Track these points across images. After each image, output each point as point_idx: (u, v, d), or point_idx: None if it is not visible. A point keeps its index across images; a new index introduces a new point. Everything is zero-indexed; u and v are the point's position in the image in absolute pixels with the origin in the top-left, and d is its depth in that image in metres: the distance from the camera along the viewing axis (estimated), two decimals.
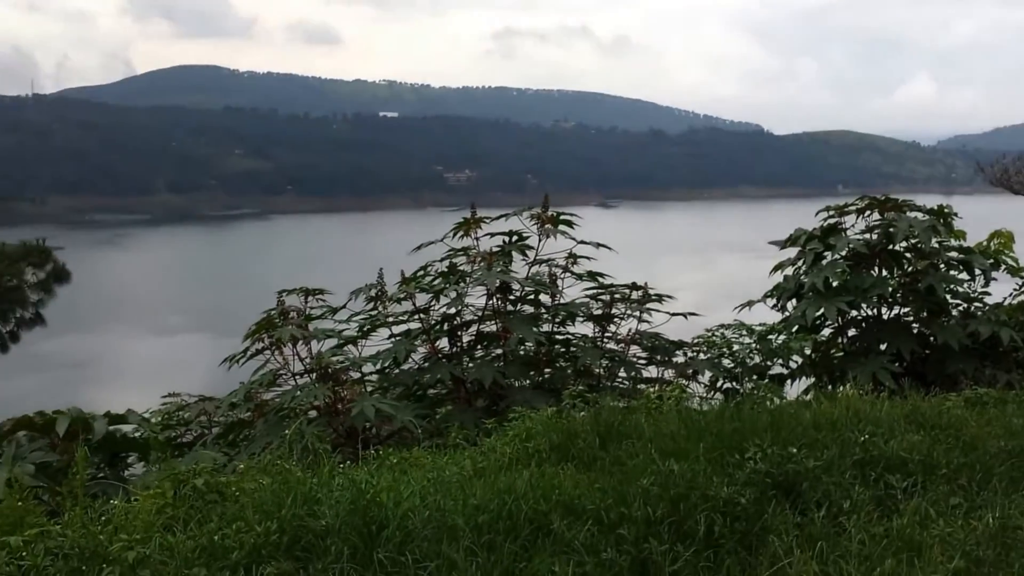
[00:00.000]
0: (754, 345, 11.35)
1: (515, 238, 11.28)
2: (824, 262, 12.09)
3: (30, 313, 23.10)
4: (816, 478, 6.17)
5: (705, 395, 10.87)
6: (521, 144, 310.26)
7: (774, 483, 6.08)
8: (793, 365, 11.86)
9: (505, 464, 6.78)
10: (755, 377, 11.08)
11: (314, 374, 9.90)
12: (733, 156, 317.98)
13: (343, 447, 8.74)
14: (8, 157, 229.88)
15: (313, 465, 6.68)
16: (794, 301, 12.26)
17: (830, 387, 11.25)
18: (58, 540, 5.18)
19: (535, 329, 10.78)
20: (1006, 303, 12.20)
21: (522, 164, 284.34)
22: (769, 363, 11.48)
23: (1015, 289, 12.36)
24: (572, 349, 11.20)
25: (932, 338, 11.87)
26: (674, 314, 11.40)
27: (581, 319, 11.36)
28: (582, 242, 11.28)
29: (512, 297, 11.12)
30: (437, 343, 10.92)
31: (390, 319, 10.87)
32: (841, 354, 12.23)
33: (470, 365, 10.77)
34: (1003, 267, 12.34)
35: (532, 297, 11.29)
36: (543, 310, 11.30)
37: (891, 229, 11.93)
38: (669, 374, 11.08)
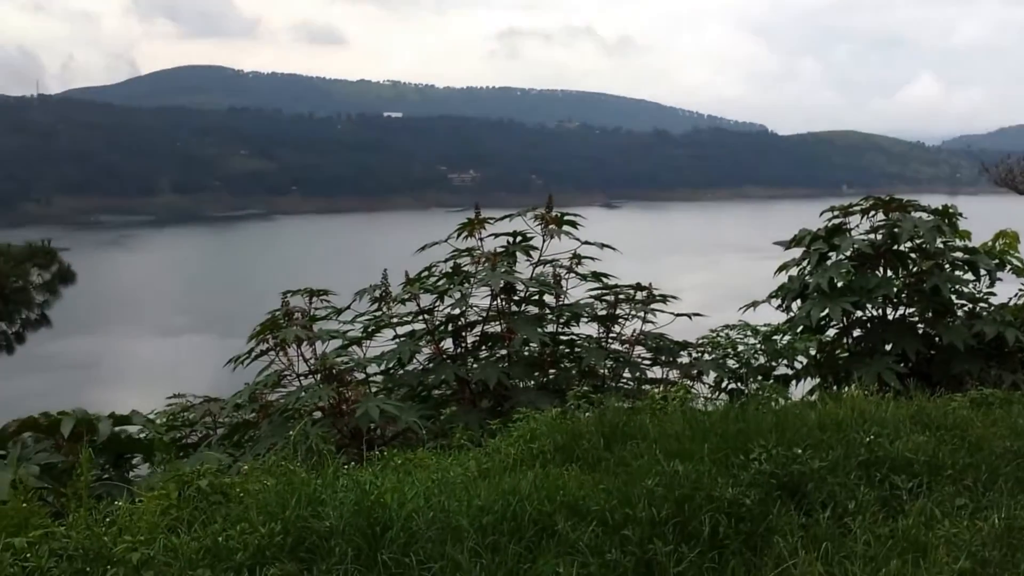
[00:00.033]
0: (759, 346, 11.34)
1: (519, 239, 11.28)
2: (829, 262, 12.08)
3: (35, 314, 23.10)
4: (821, 479, 6.16)
5: (710, 396, 10.85)
6: (525, 144, 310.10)
7: (779, 484, 6.07)
8: (798, 366, 11.86)
9: (509, 465, 6.77)
10: (760, 378, 11.08)
11: (319, 375, 9.90)
12: (737, 156, 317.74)
13: (347, 448, 8.74)
14: (13, 158, 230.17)
15: (317, 466, 6.68)
16: (799, 301, 12.24)
17: (835, 388, 11.25)
18: (62, 541, 5.18)
19: (539, 330, 10.78)
20: (1011, 303, 12.17)
21: (526, 164, 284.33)
22: (774, 364, 11.47)
23: (1020, 289, 12.33)
24: (576, 350, 11.19)
25: (937, 338, 11.86)
26: (678, 315, 11.39)
27: (585, 320, 11.35)
28: (586, 242, 11.28)
29: (516, 298, 11.12)
30: (441, 344, 10.92)
31: (394, 320, 10.88)
32: (846, 354, 12.22)
33: (474, 366, 10.78)
34: (1008, 267, 12.32)
35: (536, 298, 11.29)
36: (547, 311, 11.30)
37: (896, 229, 11.91)
38: (674, 375, 11.08)
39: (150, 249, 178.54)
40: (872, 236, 12.24)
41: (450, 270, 11.04)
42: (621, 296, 11.30)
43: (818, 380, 11.95)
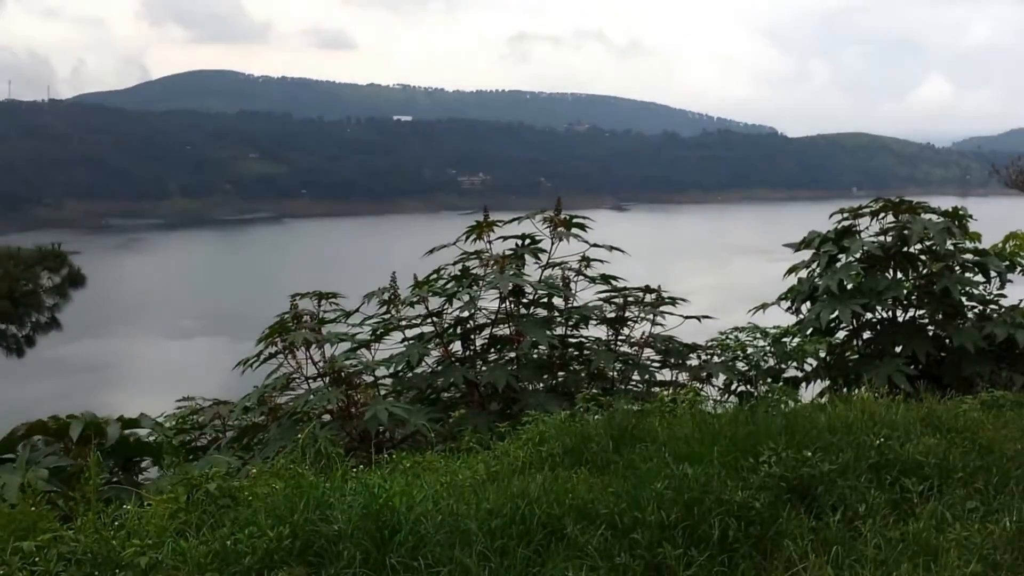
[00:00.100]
0: (768, 348, 11.30)
1: (528, 241, 11.26)
2: (838, 264, 12.04)
3: (46, 317, 23.17)
4: (831, 482, 6.15)
5: (719, 398, 10.83)
6: (535, 147, 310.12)
7: (789, 487, 6.06)
8: (808, 368, 11.83)
9: (518, 468, 6.77)
10: (769, 380, 11.05)
11: (327, 378, 9.90)
12: (747, 159, 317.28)
13: (356, 451, 8.73)
14: (24, 162, 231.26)
15: (326, 469, 6.68)
16: (808, 304, 12.21)
17: (845, 390, 11.21)
18: (71, 545, 5.18)
19: (548, 332, 10.76)
20: (1022, 305, 12.12)
21: (536, 167, 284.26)
22: (783, 366, 11.44)
23: None
24: (585, 352, 11.17)
25: (948, 340, 11.81)
26: (688, 317, 11.37)
27: (594, 322, 11.33)
28: (595, 245, 11.26)
29: (525, 300, 11.11)
30: (450, 346, 10.91)
31: (403, 323, 10.87)
32: (856, 357, 12.18)
33: (483, 368, 10.76)
34: (1019, 269, 12.28)
35: (545, 300, 11.27)
36: (556, 313, 11.28)
37: (906, 231, 11.87)
38: (683, 377, 11.04)
39: (160, 252, 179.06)
40: (882, 238, 12.20)
41: (459, 273, 11.03)
42: (630, 298, 11.28)
43: (828, 382, 11.90)
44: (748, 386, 11.05)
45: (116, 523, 5.61)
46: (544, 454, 6.99)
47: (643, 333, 11.27)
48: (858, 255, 12.04)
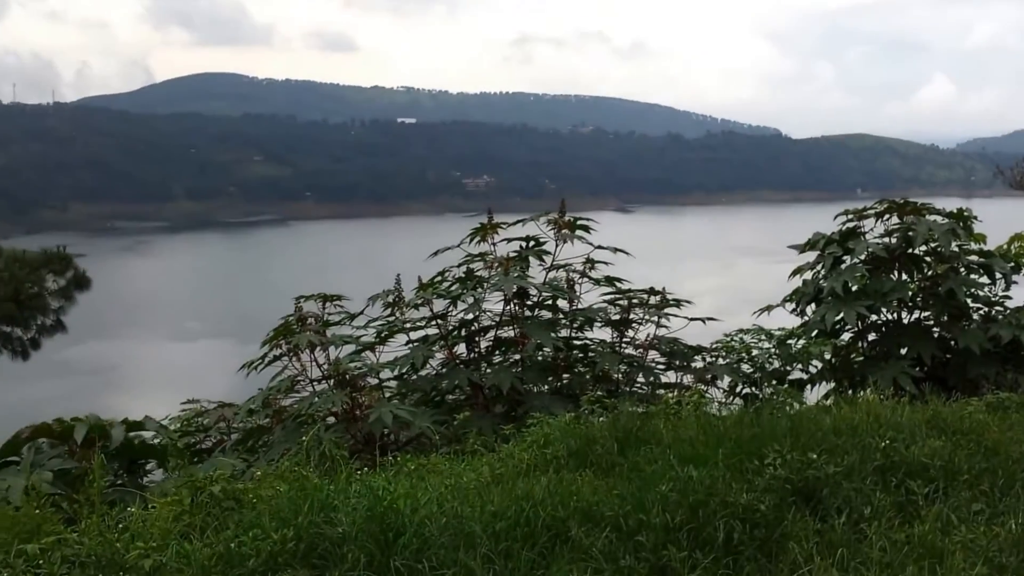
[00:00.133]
0: (773, 350, 11.30)
1: (532, 243, 11.27)
2: (843, 266, 12.03)
3: (51, 320, 23.19)
4: (836, 484, 6.13)
5: (724, 400, 10.82)
6: (539, 150, 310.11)
7: (794, 489, 6.04)
8: (813, 370, 11.81)
9: (523, 470, 6.76)
10: (774, 382, 11.03)
11: (332, 380, 9.90)
12: (751, 160, 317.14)
13: (361, 453, 8.73)
14: (29, 165, 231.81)
15: (330, 472, 6.68)
16: (813, 305, 12.19)
17: (850, 392, 11.18)
18: (75, 548, 5.18)
19: (553, 334, 10.77)
20: None
21: (540, 169, 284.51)
22: (788, 368, 11.42)
23: None
24: (590, 354, 11.17)
25: (953, 342, 11.80)
26: (692, 319, 11.36)
27: (599, 324, 11.33)
28: (599, 247, 11.26)
29: (529, 302, 11.11)
30: (455, 349, 10.92)
31: (408, 325, 10.88)
32: (861, 359, 12.17)
33: (488, 371, 10.77)
34: None
35: (550, 302, 11.27)
36: (561, 315, 11.28)
37: (910, 233, 11.86)
38: (688, 379, 11.04)
39: (165, 255, 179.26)
40: (886, 240, 12.19)
41: (463, 275, 11.03)
42: (635, 300, 11.27)
43: (833, 384, 11.90)
44: (753, 388, 11.04)
45: (120, 526, 5.61)
46: (548, 456, 6.99)
47: (648, 335, 11.27)
48: (863, 257, 12.03)
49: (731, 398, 11.04)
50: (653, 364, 11.19)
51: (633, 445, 7.06)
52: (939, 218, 12.16)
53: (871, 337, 12.26)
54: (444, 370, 10.83)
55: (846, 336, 12.29)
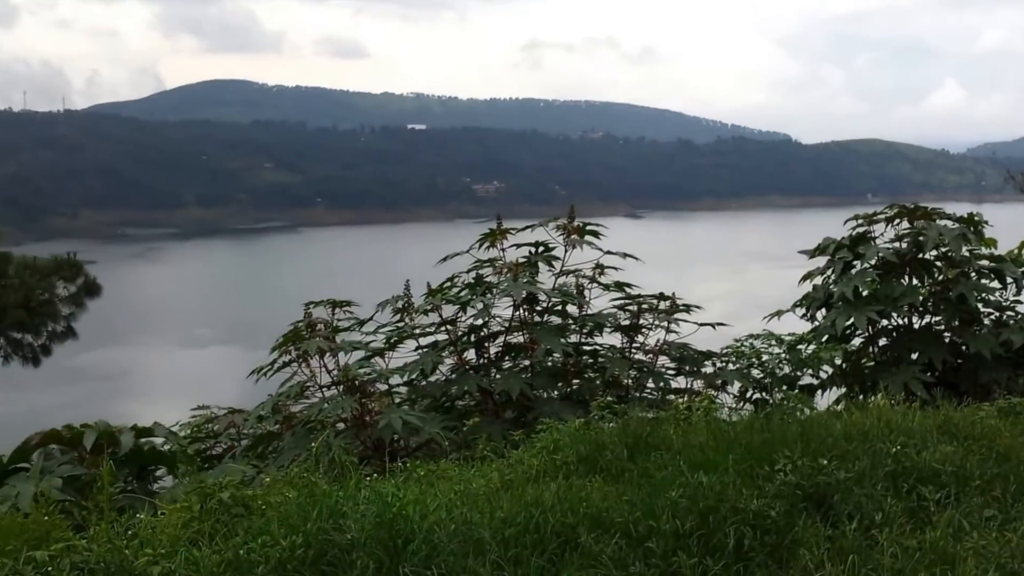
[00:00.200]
0: (784, 355, 11.25)
1: (541, 249, 11.26)
2: (853, 271, 11.99)
3: (62, 327, 23.29)
4: (847, 490, 6.11)
5: (734, 406, 10.78)
6: (549, 155, 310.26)
7: (804, 495, 6.02)
8: (823, 375, 11.77)
9: (532, 476, 6.75)
10: (785, 387, 10.99)
11: (341, 386, 9.89)
12: (761, 165, 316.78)
13: (370, 459, 8.72)
14: (40, 172, 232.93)
15: (340, 478, 6.67)
16: (823, 310, 12.16)
17: (861, 397, 11.16)
18: (84, 555, 5.18)
19: (562, 340, 10.75)
20: None
21: (550, 175, 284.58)
22: (799, 373, 11.38)
23: None
24: (600, 360, 11.15)
25: (964, 347, 11.75)
26: (702, 324, 11.33)
27: (609, 330, 11.30)
28: (609, 252, 11.25)
29: (539, 308, 11.10)
30: (464, 354, 10.91)
31: (417, 331, 10.87)
32: (872, 364, 12.11)
33: (497, 376, 10.74)
34: None
35: (559, 308, 11.26)
36: (570, 321, 11.26)
37: (921, 237, 11.82)
38: (698, 385, 11.01)
39: (176, 262, 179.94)
40: (897, 244, 12.14)
41: (472, 281, 11.03)
42: (644, 306, 11.25)
43: (844, 390, 11.86)
44: (763, 394, 10.99)
45: (129, 532, 5.60)
46: (558, 462, 6.97)
47: (658, 340, 11.24)
48: (873, 261, 11.99)
49: (741, 404, 10.99)
50: (663, 369, 11.17)
51: (643, 451, 7.05)
52: (950, 223, 12.11)
53: (882, 342, 12.21)
54: (454, 376, 10.82)
55: (857, 341, 12.25)
